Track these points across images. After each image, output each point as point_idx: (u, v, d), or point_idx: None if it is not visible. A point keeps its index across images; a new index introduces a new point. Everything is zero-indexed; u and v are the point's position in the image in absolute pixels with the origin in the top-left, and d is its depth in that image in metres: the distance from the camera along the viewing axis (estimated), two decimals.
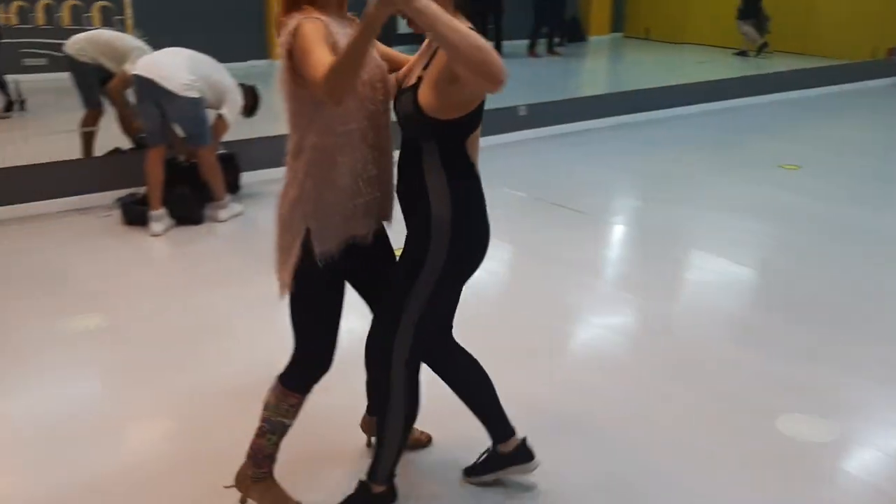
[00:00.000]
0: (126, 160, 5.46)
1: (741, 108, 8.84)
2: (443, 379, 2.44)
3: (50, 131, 6.61)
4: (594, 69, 12.31)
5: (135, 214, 4.98)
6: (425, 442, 2.79)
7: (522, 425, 2.58)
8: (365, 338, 2.30)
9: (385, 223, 2.34)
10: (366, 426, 2.74)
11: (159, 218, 4.87)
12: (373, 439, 2.65)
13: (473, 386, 2.47)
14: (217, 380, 3.23)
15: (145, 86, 4.68)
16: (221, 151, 5.24)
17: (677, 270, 4.40)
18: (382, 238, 2.34)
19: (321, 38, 1.97)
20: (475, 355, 2.46)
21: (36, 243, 4.71)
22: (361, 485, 2.40)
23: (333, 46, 2.02)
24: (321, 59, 1.90)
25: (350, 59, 1.81)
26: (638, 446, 2.81)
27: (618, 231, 5.09)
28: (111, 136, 5.61)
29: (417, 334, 2.19)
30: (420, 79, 2.05)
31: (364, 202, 2.18)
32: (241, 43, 10.31)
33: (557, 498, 2.53)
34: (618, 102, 8.08)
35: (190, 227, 4.98)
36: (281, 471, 2.43)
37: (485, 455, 2.58)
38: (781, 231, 5.01)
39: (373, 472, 2.37)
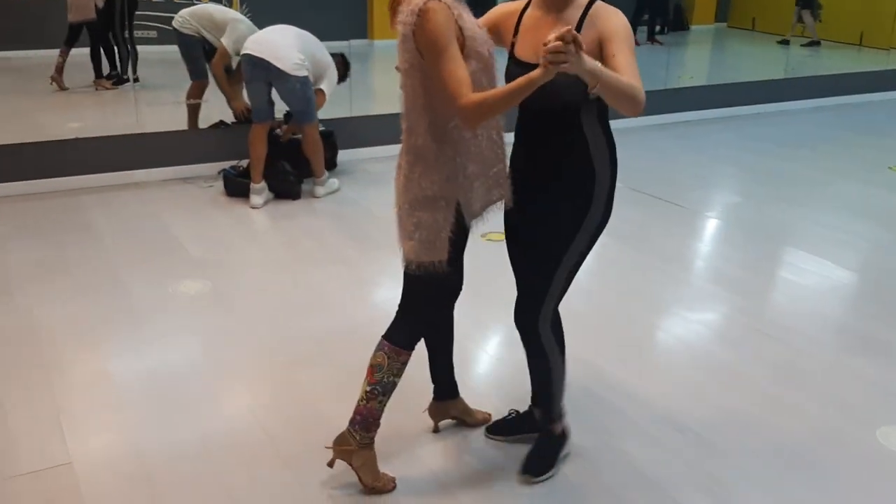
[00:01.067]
0: (229, 133, 5.63)
1: (853, 105, 8.47)
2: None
3: (158, 102, 6.86)
4: (697, 58, 11.98)
5: (236, 186, 5.13)
6: (488, 420, 2.84)
7: (620, 420, 2.56)
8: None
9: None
10: (433, 412, 2.79)
11: (260, 191, 5.01)
12: (440, 424, 2.77)
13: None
14: (315, 352, 3.31)
15: (258, 65, 4.78)
16: (321, 129, 5.33)
17: (778, 270, 4.27)
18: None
19: (451, 33, 2.04)
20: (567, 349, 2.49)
21: (145, 210, 4.91)
22: (542, 434, 2.60)
23: (459, 33, 2.07)
24: (459, 74, 2.03)
25: (498, 106, 2.03)
26: (738, 447, 2.75)
27: (718, 227, 4.97)
28: (216, 108, 5.77)
29: (562, 292, 2.38)
30: None
31: (498, 170, 2.31)
32: (342, 22, 10.45)
33: (659, 494, 2.51)
34: (723, 94, 7.85)
35: (288, 202, 5.11)
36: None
37: (510, 416, 2.77)
38: (890, 235, 4.80)
39: (550, 416, 2.57)
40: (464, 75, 2.03)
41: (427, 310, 2.44)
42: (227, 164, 5.38)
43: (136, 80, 6.99)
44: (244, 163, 5.19)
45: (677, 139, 6.91)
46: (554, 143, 2.26)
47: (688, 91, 7.90)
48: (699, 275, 4.23)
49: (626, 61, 2.07)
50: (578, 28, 2.14)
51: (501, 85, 2.12)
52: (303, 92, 4.90)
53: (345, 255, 4.33)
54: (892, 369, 3.25)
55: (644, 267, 4.24)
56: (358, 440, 2.43)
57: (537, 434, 2.65)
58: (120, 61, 7.12)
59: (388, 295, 3.91)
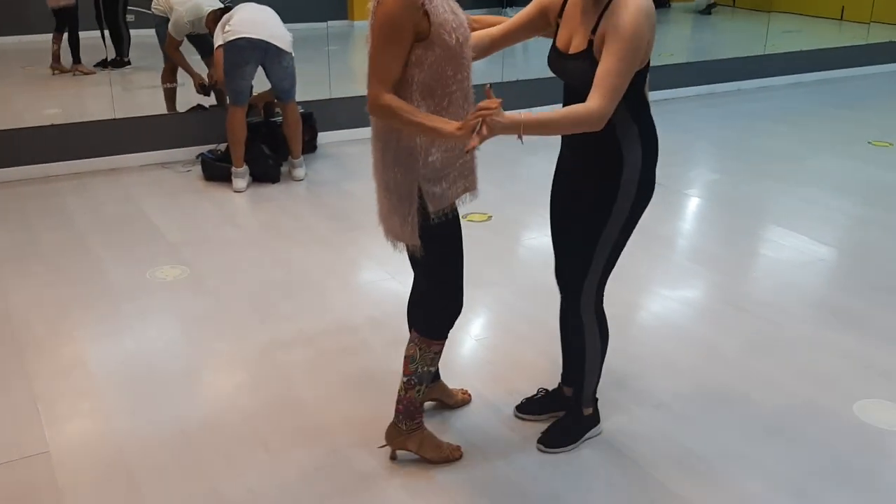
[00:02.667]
0: (206, 116, 5.59)
1: (832, 81, 8.50)
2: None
3: (138, 86, 6.79)
4: (678, 37, 11.96)
5: (214, 170, 5.09)
6: (467, 400, 2.87)
7: (598, 395, 2.58)
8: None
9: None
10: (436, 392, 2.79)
11: (242, 175, 4.97)
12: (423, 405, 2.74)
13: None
14: (295, 335, 3.30)
15: (257, 47, 4.73)
16: (300, 111, 5.30)
17: (756, 246, 4.28)
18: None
19: (400, 25, 2.03)
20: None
21: (122, 196, 4.87)
22: (572, 409, 2.66)
23: (424, 20, 2.04)
24: (388, 67, 2.07)
25: (402, 125, 2.08)
26: (716, 422, 2.77)
27: (696, 204, 4.98)
28: (194, 92, 5.72)
29: (603, 275, 2.44)
30: (591, 42, 2.16)
31: (465, 161, 2.29)
32: (322, 2, 10.35)
33: (637, 471, 2.52)
34: (702, 71, 7.84)
35: (267, 186, 5.07)
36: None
37: (538, 395, 2.82)
38: (870, 209, 4.82)
39: (580, 397, 2.63)
40: (393, 71, 2.07)
41: (434, 294, 2.41)
42: (205, 149, 5.34)
43: (128, 62, 6.97)
44: (222, 146, 5.15)
45: (656, 116, 6.89)
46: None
47: (667, 69, 7.89)
48: (677, 251, 4.24)
49: (601, 72, 2.07)
50: (598, 23, 2.14)
51: (466, 73, 2.17)
52: (293, 69, 4.95)
53: (326, 237, 4.31)
54: (869, 343, 3.28)
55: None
56: (406, 429, 2.49)
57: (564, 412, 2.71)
58: (121, 45, 7.08)
59: (369, 277, 3.91)
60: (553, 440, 2.63)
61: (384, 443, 2.54)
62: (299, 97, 5.15)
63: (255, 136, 5.09)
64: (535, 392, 2.85)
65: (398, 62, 2.07)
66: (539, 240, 4.37)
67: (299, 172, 5.18)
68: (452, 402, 2.83)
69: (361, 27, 10.52)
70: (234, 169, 4.96)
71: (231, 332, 3.33)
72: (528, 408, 2.80)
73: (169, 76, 5.72)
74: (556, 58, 2.30)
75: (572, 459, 2.58)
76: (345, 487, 2.44)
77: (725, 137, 6.40)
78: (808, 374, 3.07)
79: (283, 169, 5.20)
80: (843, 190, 5.15)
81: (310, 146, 5.55)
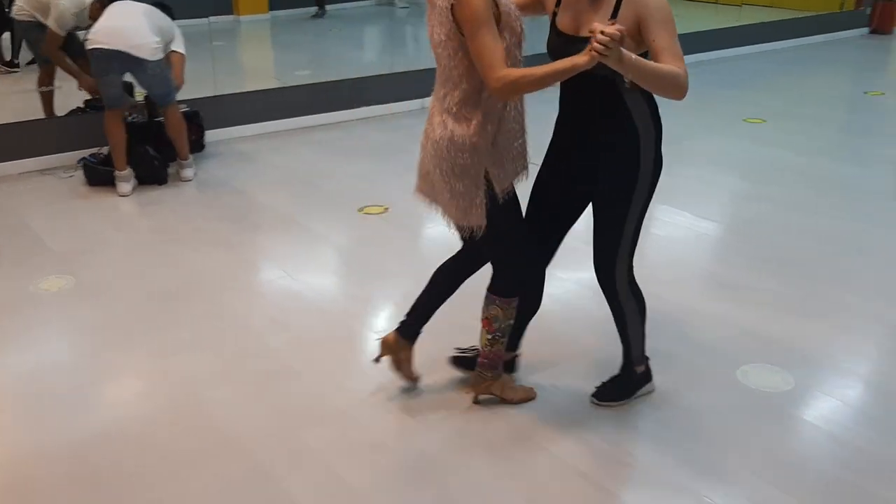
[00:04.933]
0: (87, 120, 5.36)
1: (706, 63, 8.85)
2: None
3: (14, 91, 6.47)
4: None
5: (98, 175, 4.91)
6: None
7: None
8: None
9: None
10: (391, 345, 2.87)
11: (127, 178, 4.81)
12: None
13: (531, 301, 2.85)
14: (189, 338, 3.23)
15: (113, 58, 4.52)
16: (184, 109, 5.16)
17: (644, 225, 4.43)
18: None
19: (489, 9, 2.20)
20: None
21: (2, 204, 4.64)
22: (624, 366, 2.82)
23: (496, 8, 2.23)
24: (496, 49, 2.19)
25: (537, 84, 2.18)
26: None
27: None
28: (74, 94, 5.48)
29: (633, 244, 2.58)
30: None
31: (521, 143, 2.50)
32: None
33: (545, 454, 2.60)
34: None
35: (154, 188, 4.93)
36: None
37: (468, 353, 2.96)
38: (748, 184, 5.07)
39: (629, 357, 2.80)
40: (501, 50, 2.21)
41: (507, 259, 2.61)
42: (87, 153, 5.13)
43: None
44: (105, 150, 4.97)
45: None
46: (595, 108, 2.42)
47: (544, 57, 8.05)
48: (570, 234, 4.34)
49: (664, 44, 2.19)
50: (617, 8, 2.24)
51: (522, 56, 2.32)
52: (162, 74, 4.73)
53: (219, 238, 4.22)
54: (749, 311, 3.46)
55: None
56: (490, 377, 2.75)
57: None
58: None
59: (267, 277, 3.86)
60: (605, 394, 2.83)
61: (469, 389, 2.80)
62: (184, 95, 5.01)
63: (140, 136, 4.94)
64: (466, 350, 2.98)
65: (498, 41, 2.21)
66: (438, 230, 4.40)
67: (188, 173, 5.05)
68: (406, 373, 2.91)
69: (248, 22, 10.37)
70: (117, 172, 4.79)
71: (123, 341, 3.24)
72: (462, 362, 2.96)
73: (46, 79, 5.45)
74: (562, 42, 2.36)
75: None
76: (252, 493, 2.42)
77: None
78: (695, 344, 3.21)
79: (172, 170, 5.06)
80: (723, 166, 5.39)
81: (197, 145, 5.42)
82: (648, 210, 2.60)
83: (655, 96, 2.41)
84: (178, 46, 4.90)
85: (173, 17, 4.96)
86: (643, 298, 2.74)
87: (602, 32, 1.98)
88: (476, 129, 2.35)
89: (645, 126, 2.44)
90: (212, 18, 10.04)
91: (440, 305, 2.81)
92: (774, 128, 6.33)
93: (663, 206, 4.65)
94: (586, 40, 2.18)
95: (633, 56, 2.08)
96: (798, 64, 8.91)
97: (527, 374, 2.99)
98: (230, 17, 10.43)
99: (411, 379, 2.91)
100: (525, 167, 2.57)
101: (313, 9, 10.70)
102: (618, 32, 1.98)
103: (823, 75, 8.56)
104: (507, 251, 2.61)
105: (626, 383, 2.85)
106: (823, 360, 3.11)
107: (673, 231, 4.31)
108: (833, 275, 3.81)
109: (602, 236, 2.62)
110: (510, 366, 2.96)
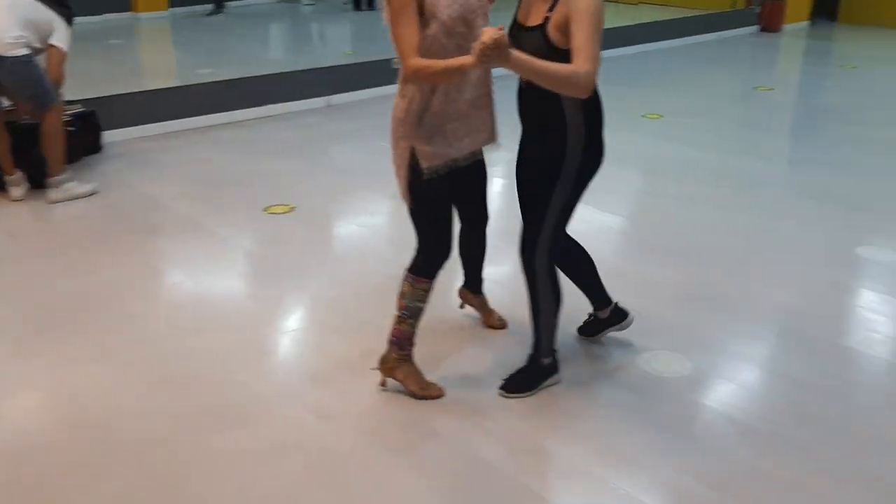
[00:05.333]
0: None
1: (606, 60, 9.02)
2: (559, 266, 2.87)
3: None
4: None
5: None
6: (499, 326, 3.30)
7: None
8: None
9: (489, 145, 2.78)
10: (463, 295, 3.32)
11: (17, 182, 4.60)
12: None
13: (579, 263, 3.05)
14: (94, 349, 3.13)
15: None
16: (79, 109, 4.96)
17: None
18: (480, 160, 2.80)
19: (403, 7, 2.39)
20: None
21: None
22: (531, 357, 2.88)
23: (418, 1, 2.39)
24: (406, 36, 2.39)
25: (434, 77, 2.42)
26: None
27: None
28: None
29: (555, 231, 2.68)
30: (546, 19, 2.43)
31: (454, 127, 2.59)
32: None
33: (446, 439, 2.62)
34: None
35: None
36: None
37: (589, 319, 3.20)
38: (648, 179, 5.23)
39: (537, 348, 2.85)
40: (413, 38, 2.39)
41: (425, 238, 2.72)
42: None
43: None
44: None
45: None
46: (534, 98, 2.57)
47: None
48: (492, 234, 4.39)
49: (577, 44, 2.34)
50: (556, 2, 2.40)
51: (465, 42, 2.43)
52: (27, 73, 4.31)
53: (118, 243, 4.09)
54: (650, 301, 3.56)
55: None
56: (396, 357, 2.78)
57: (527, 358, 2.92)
58: None
59: (169, 281, 3.76)
60: (512, 386, 2.87)
61: (376, 366, 2.82)
62: (79, 95, 4.83)
63: (29, 139, 4.72)
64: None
65: (412, 29, 2.40)
66: (346, 229, 4.39)
67: (53, 194, 4.53)
68: (487, 322, 3.28)
69: (147, 19, 10.06)
70: (6, 177, 4.58)
71: (19, 351, 3.10)
72: (585, 330, 3.21)
73: None
74: (516, 30, 2.54)
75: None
76: (158, 502, 2.36)
77: (504, 122, 6.67)
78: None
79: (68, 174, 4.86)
80: (624, 161, 5.53)
81: (94, 147, 5.23)
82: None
83: (594, 95, 2.55)
84: (58, 41, 4.47)
85: (70, 12, 4.60)
86: (560, 292, 2.81)
87: (488, 37, 2.17)
88: (405, 105, 2.54)
89: (575, 117, 2.55)
90: (108, 16, 9.74)
91: (479, 265, 3.17)
92: (671, 123, 6.54)
93: None
94: (529, 30, 2.47)
95: (524, 57, 2.25)
96: (692, 61, 9.24)
97: (437, 368, 3.01)
98: (128, 15, 10.11)
99: (497, 324, 3.27)
100: (469, 151, 2.69)
101: (209, 6, 10.47)
102: (500, 38, 2.16)
103: (716, 72, 8.90)
104: (425, 231, 2.71)
105: (533, 375, 2.90)
106: (720, 346, 3.24)
107: (577, 225, 4.39)
108: (728, 263, 3.97)
109: (525, 223, 2.73)
110: (619, 315, 3.15)
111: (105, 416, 2.72)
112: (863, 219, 4.53)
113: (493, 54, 2.20)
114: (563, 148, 2.58)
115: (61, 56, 4.52)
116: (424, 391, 2.82)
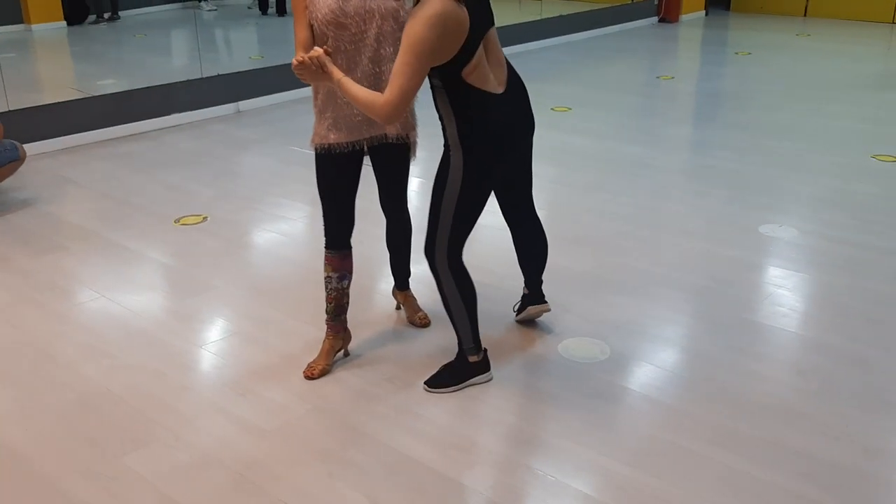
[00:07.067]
0: None
1: (513, 56, 9.19)
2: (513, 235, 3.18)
3: None
4: None
5: None
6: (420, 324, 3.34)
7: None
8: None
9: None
10: (394, 294, 3.42)
11: None
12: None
13: (523, 242, 3.26)
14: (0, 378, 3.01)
15: None
16: None
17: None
18: (386, 148, 2.89)
19: (295, 9, 2.64)
20: None
21: None
22: (459, 353, 2.91)
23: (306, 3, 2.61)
24: (297, 37, 2.64)
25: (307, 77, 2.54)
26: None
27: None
28: None
29: (452, 232, 2.72)
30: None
31: (331, 116, 2.74)
32: None
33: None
34: None
35: None
36: None
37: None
38: (559, 170, 5.32)
39: (461, 345, 2.89)
40: (299, 34, 2.63)
41: (322, 208, 2.92)
42: None
43: None
44: None
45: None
46: (436, 106, 2.67)
47: None
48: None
49: (394, 68, 2.41)
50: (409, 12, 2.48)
51: (344, 45, 2.62)
52: None
53: (19, 263, 3.93)
54: (565, 289, 3.64)
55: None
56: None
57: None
58: None
59: (76, 300, 3.64)
60: (434, 380, 2.91)
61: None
62: None
63: None
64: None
65: (300, 27, 2.64)
66: (261, 236, 4.33)
67: None
68: (410, 319, 3.35)
69: (41, 31, 9.68)
70: None
71: None
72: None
73: None
74: None
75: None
76: None
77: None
78: (517, 325, 3.35)
79: None
80: (536, 154, 5.61)
81: None
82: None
83: (482, 96, 2.59)
84: None
85: None
86: (470, 288, 2.84)
87: (302, 55, 2.44)
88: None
89: (451, 124, 2.62)
90: None
91: (401, 259, 3.34)
92: (579, 115, 6.68)
93: None
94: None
95: (339, 79, 2.45)
96: (596, 53, 9.45)
97: (362, 366, 3.01)
98: (20, 27, 9.70)
99: (420, 322, 3.33)
100: (350, 140, 2.79)
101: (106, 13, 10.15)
102: (306, 60, 2.42)
103: (619, 62, 9.12)
104: (321, 200, 2.91)
105: (458, 370, 2.93)
106: (635, 329, 3.33)
107: (494, 220, 4.45)
108: (636, 249, 4.09)
109: (428, 223, 2.77)
110: (536, 296, 3.25)
111: (20, 445, 2.62)
112: (763, 199, 4.73)
113: (304, 72, 2.44)
114: (448, 147, 2.67)
115: None
116: (315, 362, 2.99)
